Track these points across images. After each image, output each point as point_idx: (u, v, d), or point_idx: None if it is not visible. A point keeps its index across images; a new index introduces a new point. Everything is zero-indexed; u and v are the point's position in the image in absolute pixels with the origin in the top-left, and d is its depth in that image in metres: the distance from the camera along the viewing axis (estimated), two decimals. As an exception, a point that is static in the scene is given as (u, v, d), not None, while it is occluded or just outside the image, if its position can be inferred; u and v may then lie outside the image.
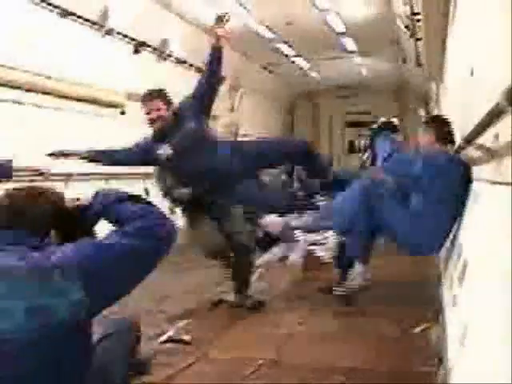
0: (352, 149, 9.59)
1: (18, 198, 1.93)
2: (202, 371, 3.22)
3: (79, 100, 6.30)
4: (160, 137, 4.04)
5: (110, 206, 2.00)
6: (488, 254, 2.04)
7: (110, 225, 2.01)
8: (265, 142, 4.85)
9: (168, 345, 3.66)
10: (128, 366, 2.33)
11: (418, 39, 6.24)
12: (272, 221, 5.39)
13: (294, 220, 5.76)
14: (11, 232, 1.86)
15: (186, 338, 3.73)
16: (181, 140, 4.01)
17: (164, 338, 3.77)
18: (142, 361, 2.92)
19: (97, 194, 2.07)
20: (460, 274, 2.79)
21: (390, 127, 5.76)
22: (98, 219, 2.07)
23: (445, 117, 4.44)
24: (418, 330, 3.73)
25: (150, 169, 5.09)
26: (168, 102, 4.02)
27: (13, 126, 5.17)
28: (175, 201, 4.66)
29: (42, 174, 5.52)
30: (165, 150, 4.03)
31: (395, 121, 6.79)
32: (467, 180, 3.57)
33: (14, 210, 1.90)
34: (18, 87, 5.37)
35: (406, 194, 4.04)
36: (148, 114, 4.00)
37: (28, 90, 5.51)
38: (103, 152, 4.25)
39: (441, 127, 4.05)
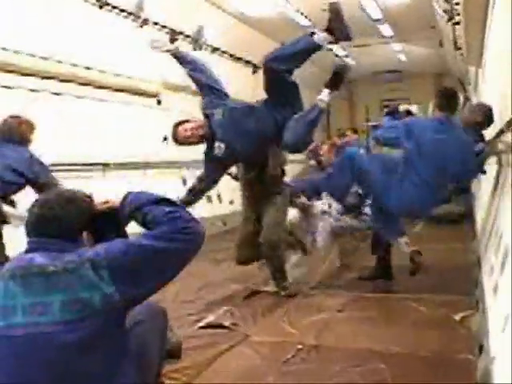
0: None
1: (49, 206, 1.97)
2: (243, 354, 3.27)
3: (116, 90, 6.37)
4: (210, 143, 4.22)
5: (139, 208, 2.05)
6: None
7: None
8: None
9: (208, 330, 3.71)
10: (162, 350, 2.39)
11: (456, 23, 6.13)
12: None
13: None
14: (44, 240, 1.94)
15: (226, 323, 3.78)
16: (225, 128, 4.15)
17: (203, 323, 3.83)
18: (173, 345, 3.00)
19: (126, 196, 2.13)
20: (501, 262, 2.76)
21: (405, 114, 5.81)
22: (129, 221, 2.13)
23: (450, 90, 4.51)
24: (457, 317, 3.71)
25: (187, 158, 5.16)
26: (189, 121, 4.24)
27: (53, 117, 5.26)
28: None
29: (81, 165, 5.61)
30: (219, 147, 4.18)
31: (413, 109, 6.90)
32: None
33: (45, 219, 1.95)
34: (59, 78, 5.46)
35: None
36: (185, 138, 4.21)
37: (68, 81, 5.59)
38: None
39: (441, 98, 4.25)
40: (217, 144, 4.18)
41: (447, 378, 2.84)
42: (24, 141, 4.07)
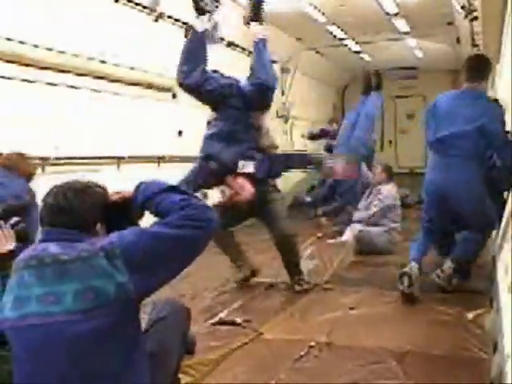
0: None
1: (62, 196, 1.95)
2: (255, 351, 3.28)
3: (131, 84, 6.38)
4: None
5: (151, 197, 2.03)
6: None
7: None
8: None
9: (220, 326, 3.72)
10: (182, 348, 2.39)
11: (473, 18, 6.06)
12: None
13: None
14: (58, 230, 1.92)
15: (238, 320, 3.77)
16: None
17: (216, 319, 3.83)
18: (189, 342, 3.00)
19: (138, 186, 2.10)
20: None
21: None
22: (143, 212, 2.11)
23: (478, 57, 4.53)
24: (471, 315, 3.68)
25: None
26: None
27: (68, 110, 5.28)
28: None
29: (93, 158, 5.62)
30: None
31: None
32: None
33: (59, 208, 1.93)
34: (74, 72, 5.48)
35: None
36: None
37: (83, 75, 5.60)
38: None
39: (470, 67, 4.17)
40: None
41: (460, 377, 2.82)
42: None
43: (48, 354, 1.79)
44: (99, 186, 2.07)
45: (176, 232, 1.90)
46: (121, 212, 2.07)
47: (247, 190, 4.24)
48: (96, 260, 1.82)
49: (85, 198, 1.96)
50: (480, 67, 4.16)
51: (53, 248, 1.87)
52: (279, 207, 4.63)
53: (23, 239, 2.60)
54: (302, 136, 9.60)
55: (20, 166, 4.05)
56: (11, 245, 2.53)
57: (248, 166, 4.27)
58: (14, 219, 2.60)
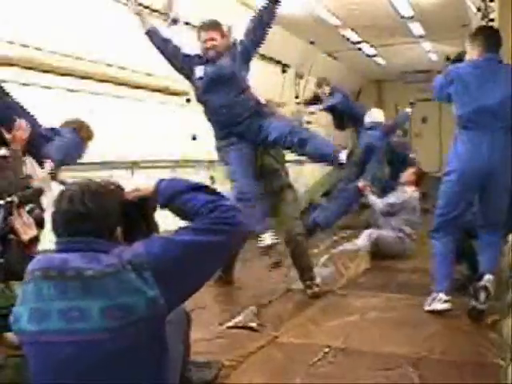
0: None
1: (79, 200, 1.79)
2: (270, 356, 3.25)
3: (146, 89, 6.40)
4: (201, 62, 4.27)
5: (175, 196, 1.90)
6: None
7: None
8: None
9: (235, 330, 3.70)
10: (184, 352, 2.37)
11: (490, 20, 6.02)
12: None
13: None
14: (77, 240, 1.78)
15: (253, 324, 3.76)
16: (215, 70, 4.20)
17: (231, 323, 3.81)
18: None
19: (159, 183, 1.96)
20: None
21: None
22: (155, 209, 2.00)
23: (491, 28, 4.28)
24: (488, 321, 3.64)
25: (215, 156, 5.13)
26: (222, 35, 4.26)
27: (82, 116, 5.31)
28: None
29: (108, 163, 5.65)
30: (200, 70, 4.23)
31: None
32: None
33: (76, 215, 1.78)
34: (94, 78, 5.53)
35: None
36: (204, 42, 4.22)
37: (102, 81, 5.65)
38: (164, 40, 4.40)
39: (482, 37, 3.89)
40: (202, 68, 4.26)
41: (477, 383, 2.78)
42: None
43: (71, 373, 1.68)
44: (114, 185, 1.93)
45: (206, 239, 1.77)
46: (137, 211, 1.95)
47: None
48: (124, 275, 1.68)
49: (103, 201, 1.81)
50: (497, 36, 3.93)
51: (75, 260, 1.72)
52: (294, 206, 4.62)
53: (40, 225, 2.61)
54: None
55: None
56: (33, 231, 2.53)
57: None
58: (30, 206, 2.60)
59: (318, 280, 4.59)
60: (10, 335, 2.99)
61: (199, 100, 4.41)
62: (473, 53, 3.89)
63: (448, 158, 4.01)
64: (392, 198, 6.32)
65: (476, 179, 3.80)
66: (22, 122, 3.53)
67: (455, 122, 3.94)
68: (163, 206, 1.95)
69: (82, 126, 4.12)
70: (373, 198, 6.48)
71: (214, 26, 4.24)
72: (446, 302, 3.86)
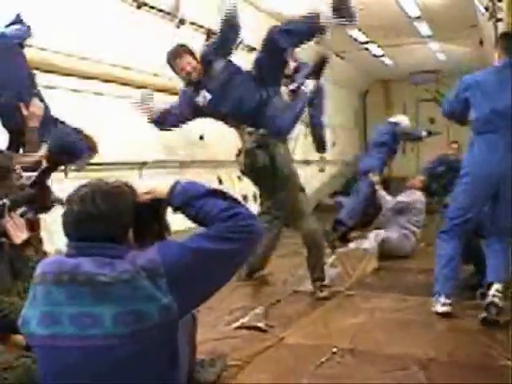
0: (429, 133, 9.36)
1: (91, 201, 1.75)
2: (278, 356, 3.25)
3: (154, 90, 6.41)
4: (197, 87, 4.29)
5: (191, 201, 1.87)
6: None
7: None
8: None
9: (242, 331, 3.70)
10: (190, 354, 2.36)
11: (497, 20, 5.99)
12: None
13: None
14: (90, 245, 1.74)
15: (261, 324, 3.75)
16: (214, 79, 4.22)
17: (238, 324, 3.81)
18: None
19: (174, 186, 1.92)
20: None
21: None
22: (165, 210, 1.97)
23: None
24: (500, 321, 3.62)
25: (223, 156, 5.15)
26: (194, 55, 4.28)
27: (91, 118, 5.32)
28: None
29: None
30: (203, 96, 4.24)
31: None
32: None
33: (88, 217, 1.74)
34: (99, 79, 5.53)
35: None
36: (182, 70, 4.24)
37: (108, 81, 5.66)
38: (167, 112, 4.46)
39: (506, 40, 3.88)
40: (202, 93, 4.25)
41: (485, 385, 2.78)
42: None
43: (80, 378, 1.68)
44: (127, 185, 1.89)
45: (222, 246, 1.75)
46: (150, 212, 1.92)
47: None
48: (138, 281, 1.66)
49: (116, 202, 1.77)
50: None
51: (87, 265, 1.69)
52: (306, 204, 4.64)
53: (32, 229, 2.62)
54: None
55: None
56: (24, 234, 2.55)
57: None
58: (22, 209, 2.61)
59: (327, 282, 4.57)
60: (18, 336, 3.00)
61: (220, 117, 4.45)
62: (496, 57, 3.92)
63: (463, 161, 4.02)
64: (401, 197, 6.45)
65: (491, 183, 3.78)
66: (36, 100, 3.68)
67: (471, 127, 3.95)
68: (177, 210, 1.92)
69: (87, 137, 4.14)
70: (383, 194, 6.61)
71: (186, 51, 4.28)
72: (445, 305, 3.85)
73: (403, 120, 7.78)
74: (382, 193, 6.62)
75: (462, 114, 4.01)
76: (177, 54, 4.26)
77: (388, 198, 6.52)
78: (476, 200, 3.87)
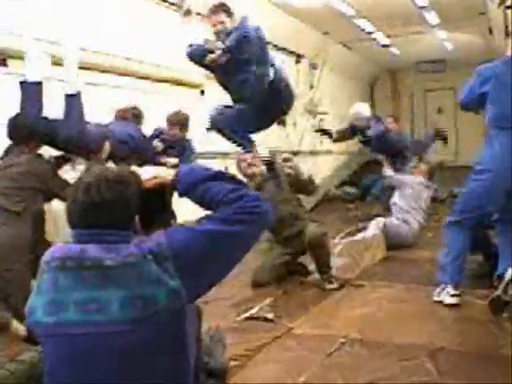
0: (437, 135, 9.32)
1: (96, 190, 1.71)
2: (287, 346, 3.26)
3: (160, 81, 6.41)
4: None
5: (197, 184, 1.83)
6: None
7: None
8: None
9: (251, 321, 3.71)
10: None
11: (507, 7, 5.93)
12: None
13: None
14: (95, 232, 1.71)
15: (269, 315, 3.76)
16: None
17: (247, 314, 3.82)
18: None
19: (180, 170, 1.90)
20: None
21: None
22: (171, 196, 1.95)
23: None
24: (506, 313, 3.61)
25: (229, 148, 5.13)
26: (230, 15, 4.40)
27: (106, 110, 5.33)
28: None
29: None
30: (219, 45, 4.30)
31: None
32: None
33: (93, 205, 1.71)
34: (116, 72, 5.58)
35: None
36: (214, 26, 4.40)
37: (123, 75, 5.70)
38: None
39: None
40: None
41: (494, 375, 2.77)
42: None
43: (91, 367, 1.63)
44: (132, 173, 1.86)
45: (230, 229, 1.72)
46: (155, 198, 1.90)
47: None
48: (145, 265, 1.63)
49: (121, 190, 1.74)
50: None
51: (93, 250, 1.67)
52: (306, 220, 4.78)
53: None
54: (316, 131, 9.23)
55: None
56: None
57: None
58: None
59: (334, 273, 4.59)
60: (20, 328, 3.03)
61: None
62: (509, 47, 3.89)
63: (481, 156, 3.87)
64: (399, 175, 6.92)
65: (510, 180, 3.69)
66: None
67: (489, 122, 3.82)
68: (183, 195, 1.89)
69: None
70: (387, 170, 7.07)
71: (220, 6, 4.41)
72: (454, 295, 3.84)
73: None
74: (387, 170, 7.08)
75: (479, 107, 3.95)
76: (213, 10, 4.42)
77: (390, 172, 6.97)
78: (495, 197, 3.79)
